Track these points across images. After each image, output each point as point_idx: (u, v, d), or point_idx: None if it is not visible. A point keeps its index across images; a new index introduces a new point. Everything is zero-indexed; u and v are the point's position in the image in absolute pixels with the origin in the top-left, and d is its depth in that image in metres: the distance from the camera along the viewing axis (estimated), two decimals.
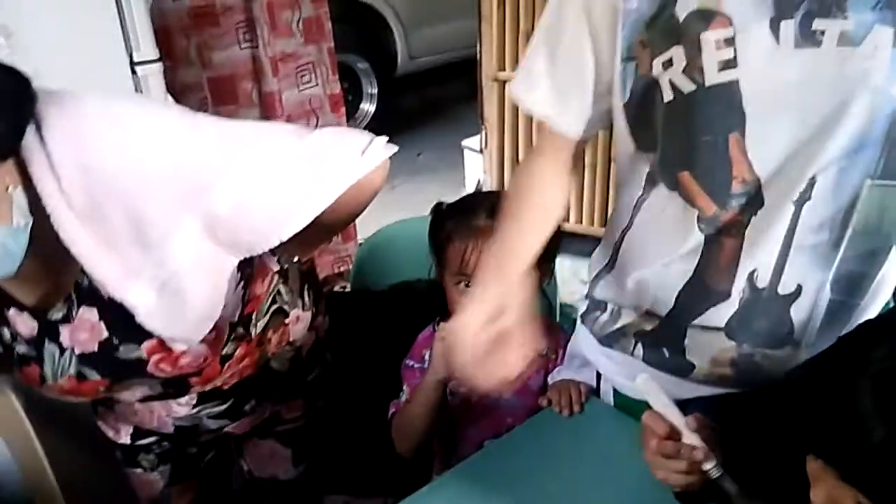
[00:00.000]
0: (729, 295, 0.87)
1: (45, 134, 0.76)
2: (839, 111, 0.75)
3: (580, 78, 0.88)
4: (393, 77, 4.43)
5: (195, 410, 1.09)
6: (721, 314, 0.89)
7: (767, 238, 0.83)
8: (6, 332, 0.92)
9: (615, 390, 1.06)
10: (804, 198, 0.80)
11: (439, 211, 1.24)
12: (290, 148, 0.88)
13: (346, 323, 1.48)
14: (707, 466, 0.73)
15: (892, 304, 0.95)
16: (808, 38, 0.74)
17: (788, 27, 0.74)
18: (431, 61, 4.63)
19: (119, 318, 0.88)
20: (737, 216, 0.83)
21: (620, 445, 0.99)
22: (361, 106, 4.28)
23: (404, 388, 1.22)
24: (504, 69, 2.89)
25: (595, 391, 1.10)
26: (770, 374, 0.90)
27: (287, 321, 1.11)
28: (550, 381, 1.15)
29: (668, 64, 0.80)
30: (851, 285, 0.86)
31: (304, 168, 0.88)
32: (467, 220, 1.13)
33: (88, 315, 0.89)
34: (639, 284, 0.95)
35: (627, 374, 1.01)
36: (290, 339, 1.13)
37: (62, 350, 0.90)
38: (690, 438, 0.74)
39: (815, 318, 0.87)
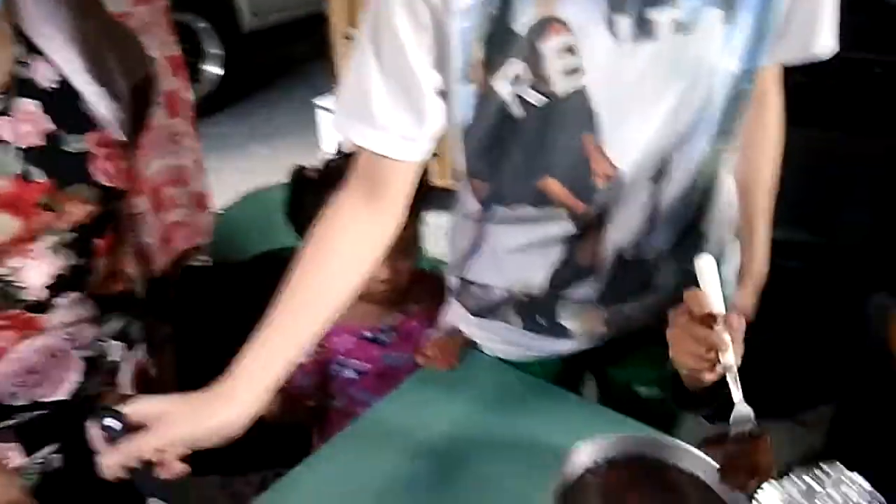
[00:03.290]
0: (599, 271, 0.91)
1: None
2: (684, 96, 0.78)
3: (420, 98, 0.81)
4: (238, 36, 4.22)
5: (99, 330, 1.04)
6: (592, 287, 0.93)
7: (632, 218, 0.87)
8: None
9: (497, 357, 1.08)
10: (662, 176, 0.84)
11: (304, 179, 1.18)
12: None
13: (207, 297, 1.41)
14: (724, 360, 0.73)
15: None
16: (645, 30, 0.75)
17: (624, 22, 0.74)
18: (277, 18, 4.44)
19: (63, 108, 0.92)
20: (603, 206, 0.85)
21: (503, 395, 1.02)
22: (206, 68, 4.05)
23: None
24: (355, 25, 2.82)
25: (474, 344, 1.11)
26: (638, 318, 0.97)
27: None
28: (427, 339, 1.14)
29: (515, 80, 0.78)
30: (695, 229, 0.93)
31: None
32: None
33: (30, 107, 0.90)
34: (509, 268, 0.96)
35: (506, 339, 1.04)
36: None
37: (4, 145, 0.88)
38: (721, 330, 0.73)
39: (672, 265, 0.93)
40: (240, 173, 3.22)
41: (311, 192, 1.15)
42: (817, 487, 0.69)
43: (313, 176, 1.20)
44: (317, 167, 1.23)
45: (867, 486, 0.69)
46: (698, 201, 0.89)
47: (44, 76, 0.92)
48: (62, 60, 0.93)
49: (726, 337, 0.73)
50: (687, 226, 0.91)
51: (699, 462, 0.76)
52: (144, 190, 2.19)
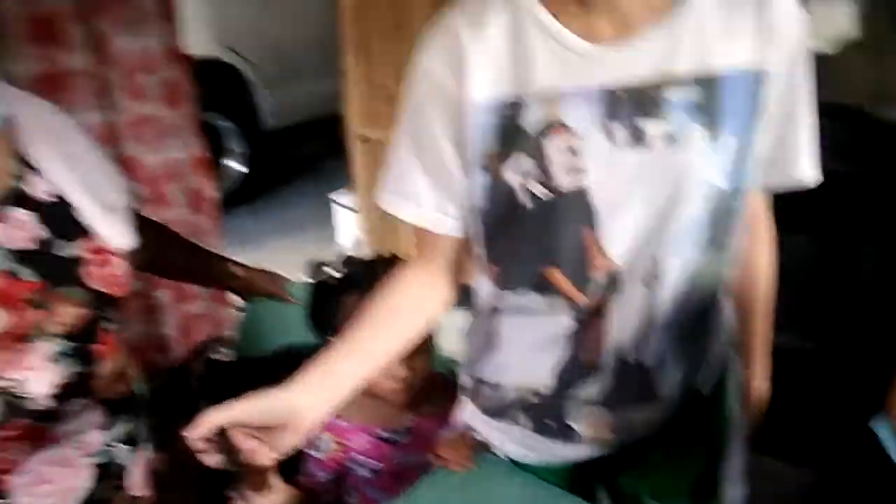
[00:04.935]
0: (601, 370, 0.94)
1: None
2: (673, 201, 0.85)
3: (451, 179, 0.92)
4: (259, 135, 4.37)
5: (107, 435, 1.06)
6: (597, 389, 0.96)
7: (629, 318, 0.91)
8: None
9: (510, 460, 1.08)
10: (655, 279, 0.89)
11: (325, 285, 1.22)
12: None
13: (230, 391, 1.44)
14: None
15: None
16: (638, 139, 0.83)
17: (619, 130, 0.83)
18: (296, 118, 4.57)
19: (56, 218, 0.96)
20: (601, 301, 0.91)
21: (515, 499, 1.02)
22: (229, 164, 4.19)
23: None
24: (369, 126, 2.89)
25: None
26: (643, 429, 0.99)
27: None
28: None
29: (522, 174, 0.86)
30: (695, 340, 0.97)
31: None
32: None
33: (23, 216, 0.94)
34: (518, 367, 0.99)
35: (517, 441, 1.05)
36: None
37: None
38: None
39: (674, 375, 0.97)
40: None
41: (332, 297, 1.21)
42: None
43: (334, 283, 1.26)
44: (335, 265, 1.30)
45: None
46: (696, 313, 0.93)
47: (39, 190, 0.96)
48: (56, 176, 0.97)
49: None
50: (686, 337, 0.94)
51: None
52: (164, 282, 2.25)
